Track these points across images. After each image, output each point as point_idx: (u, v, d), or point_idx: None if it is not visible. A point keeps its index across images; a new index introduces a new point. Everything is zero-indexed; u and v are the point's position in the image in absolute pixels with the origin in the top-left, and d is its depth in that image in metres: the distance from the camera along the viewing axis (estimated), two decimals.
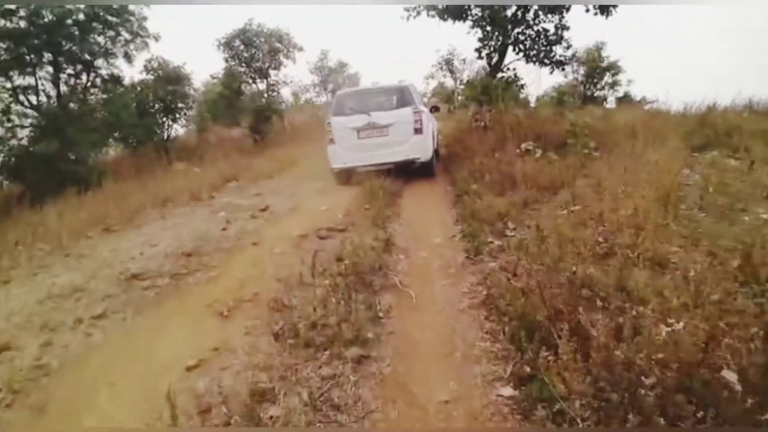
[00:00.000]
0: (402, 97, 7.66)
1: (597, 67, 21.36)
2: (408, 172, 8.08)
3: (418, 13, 12.11)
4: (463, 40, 17.31)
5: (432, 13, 12.05)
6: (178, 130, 20.28)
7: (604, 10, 10.28)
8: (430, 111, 8.91)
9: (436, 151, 8.22)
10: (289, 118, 23.49)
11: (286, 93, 24.74)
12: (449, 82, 25.77)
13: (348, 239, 4.46)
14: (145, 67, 19.39)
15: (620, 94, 21.73)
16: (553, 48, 10.74)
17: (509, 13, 10.58)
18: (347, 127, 7.47)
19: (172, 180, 10.38)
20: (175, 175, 10.94)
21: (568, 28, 10.59)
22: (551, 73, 10.91)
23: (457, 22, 12.04)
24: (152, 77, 19.17)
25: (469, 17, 11.75)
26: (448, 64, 16.07)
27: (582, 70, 21.29)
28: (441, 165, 8.91)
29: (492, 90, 10.39)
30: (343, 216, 5.83)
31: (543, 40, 10.70)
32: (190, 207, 7.48)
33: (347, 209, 6.15)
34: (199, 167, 12.37)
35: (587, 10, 10.44)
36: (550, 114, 9.61)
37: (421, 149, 7.50)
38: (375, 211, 5.70)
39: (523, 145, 7.87)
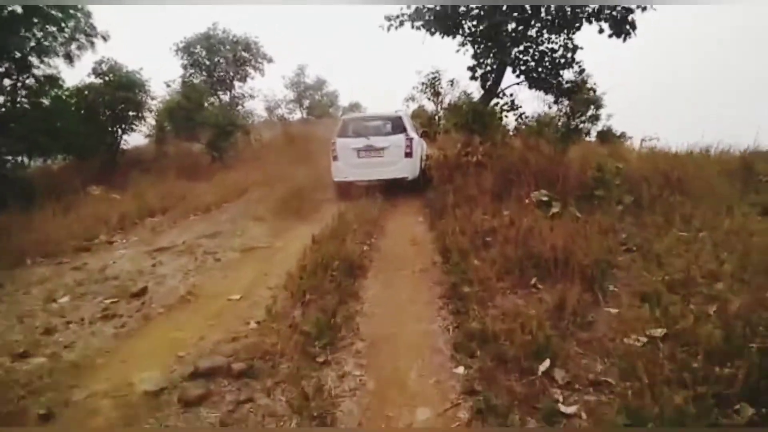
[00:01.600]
0: (396, 125, 8.50)
1: (584, 99, 19.72)
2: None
3: (401, 23, 9.99)
4: (449, 59, 15.34)
5: (417, 24, 9.95)
6: (130, 141, 17.90)
7: (621, 32, 8.39)
8: (421, 136, 9.63)
9: (423, 171, 8.89)
10: (257, 135, 21.12)
11: (259, 107, 22.45)
12: (431, 105, 24.15)
13: (242, 407, 2.09)
14: (95, 70, 16.88)
15: (600, 127, 20.23)
16: (561, 72, 8.76)
17: (509, 27, 8.49)
18: (349, 147, 8.30)
19: (78, 209, 7.78)
20: (84, 202, 8.31)
21: (580, 49, 8.65)
22: (555, 102, 8.93)
23: (446, 36, 9.99)
24: (101, 81, 16.76)
25: (461, 32, 9.72)
26: (432, 86, 14.03)
27: (566, 101, 19.68)
28: (429, 217, 6.59)
29: (487, 118, 8.28)
30: (262, 323, 3.27)
31: (548, 62, 8.71)
32: (49, 267, 4.93)
33: (276, 302, 3.54)
34: (124, 191, 9.76)
35: (601, 31, 8.53)
36: (559, 150, 7.54)
37: (410, 169, 8.33)
38: (321, 315, 3.15)
39: (534, 194, 5.69)
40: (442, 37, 10.01)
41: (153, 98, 17.19)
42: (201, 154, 17.02)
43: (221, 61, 15.89)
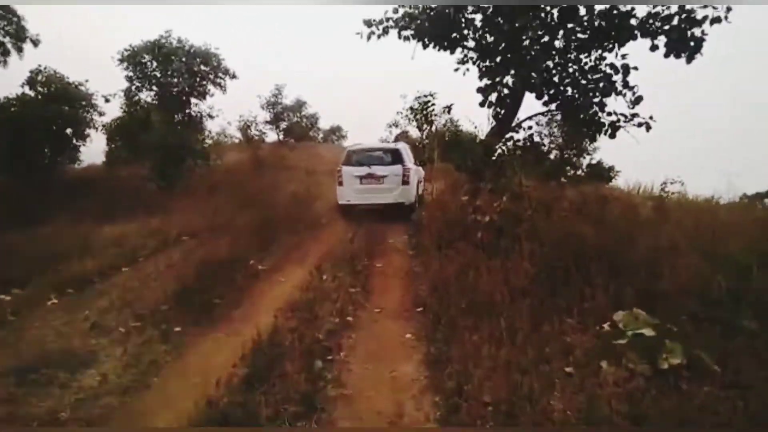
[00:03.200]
0: (395, 156, 9.02)
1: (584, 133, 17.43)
2: None
3: (386, 30, 7.47)
4: (443, 79, 12.89)
5: (407, 33, 7.44)
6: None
7: (683, 50, 5.99)
8: (418, 164, 10.31)
9: (421, 196, 9.51)
10: (218, 160, 18.25)
11: (232, 127, 19.61)
12: (416, 131, 21.93)
13: None
14: (29, 80, 14.01)
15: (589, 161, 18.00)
16: (605, 100, 6.24)
17: (535, 35, 5.94)
18: (352, 174, 8.91)
19: None
20: None
21: (634, 69, 6.13)
22: (593, 140, 6.41)
23: (443, 50, 7.49)
24: (34, 93, 13.94)
25: (464, 43, 7.22)
26: (423, 112, 11.49)
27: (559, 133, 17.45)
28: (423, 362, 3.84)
29: (506, 160, 5.70)
30: None
31: (591, 85, 6.18)
32: None
33: None
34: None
35: (654, 48, 6.11)
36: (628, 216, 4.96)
37: (406, 196, 8.76)
38: None
39: (621, 317, 3.02)
40: (438, 50, 7.51)
41: (101, 114, 14.23)
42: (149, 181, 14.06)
43: (174, 74, 13.09)
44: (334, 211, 9.96)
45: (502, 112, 6.56)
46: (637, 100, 6.12)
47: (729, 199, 7.89)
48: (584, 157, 18.26)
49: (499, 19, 6.15)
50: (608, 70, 6.15)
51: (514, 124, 6.76)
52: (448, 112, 7.58)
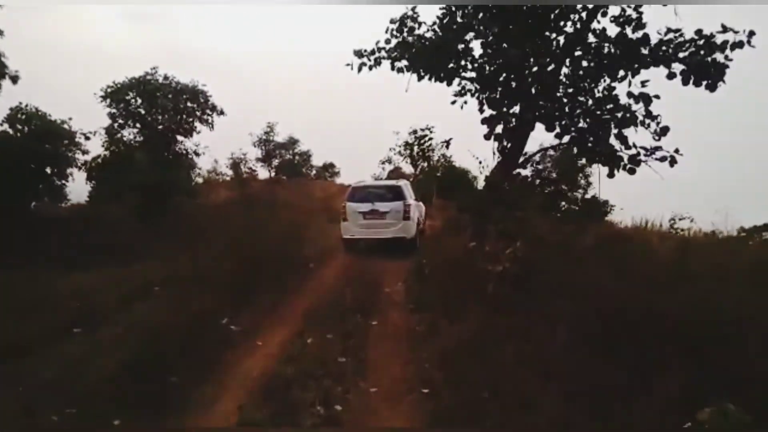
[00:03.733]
0: (397, 193, 9.44)
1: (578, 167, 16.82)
2: None
3: (378, 62, 6.95)
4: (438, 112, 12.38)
5: (401, 64, 6.93)
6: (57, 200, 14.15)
7: (704, 77, 5.45)
8: (418, 200, 10.83)
9: (422, 231, 10.02)
10: (213, 196, 17.54)
11: (221, 166, 19.04)
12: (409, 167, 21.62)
13: None
14: (9, 117, 13.41)
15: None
16: (624, 132, 5.58)
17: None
18: (356, 210, 9.29)
19: None
20: None
21: (656, 98, 5.53)
22: (612, 176, 5.70)
23: (437, 81, 6.96)
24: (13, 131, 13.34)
25: (462, 75, 6.68)
26: (420, 146, 10.89)
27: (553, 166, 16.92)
28: None
29: (516, 199, 4.98)
30: None
31: (606, 116, 5.56)
32: None
33: None
34: None
35: (671, 76, 5.56)
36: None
37: (407, 230, 9.14)
38: None
39: (707, 422, 2.19)
40: (434, 81, 6.97)
41: (85, 152, 13.50)
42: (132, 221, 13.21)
43: (159, 111, 12.56)
44: (323, 253, 9.15)
45: (509, 145, 5.90)
46: (663, 131, 5.49)
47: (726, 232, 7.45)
48: (579, 192, 17.76)
49: (504, 44, 5.59)
50: (626, 100, 5.53)
51: (521, 160, 6.10)
52: (447, 147, 6.93)
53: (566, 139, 5.66)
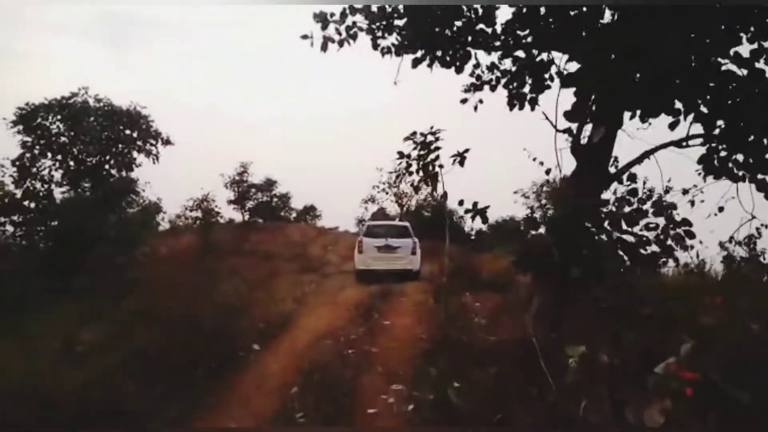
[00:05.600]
0: (405, 231, 10.71)
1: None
2: None
3: (353, 35, 4.48)
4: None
5: (386, 42, 4.49)
6: None
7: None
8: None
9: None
10: (161, 245, 14.53)
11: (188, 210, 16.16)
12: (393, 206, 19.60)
13: None
14: None
15: None
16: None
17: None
18: (372, 245, 10.30)
19: None
20: None
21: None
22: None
23: (444, 67, 4.52)
24: None
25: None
26: (423, 159, 8.46)
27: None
28: None
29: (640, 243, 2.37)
30: None
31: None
32: None
33: None
34: None
35: None
36: None
37: (414, 263, 10.30)
38: None
39: None
40: (435, 65, 4.52)
41: None
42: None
43: (88, 139, 9.88)
44: (279, 323, 6.31)
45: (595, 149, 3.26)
46: None
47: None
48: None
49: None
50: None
51: (612, 171, 3.44)
52: (461, 164, 4.33)
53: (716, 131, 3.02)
